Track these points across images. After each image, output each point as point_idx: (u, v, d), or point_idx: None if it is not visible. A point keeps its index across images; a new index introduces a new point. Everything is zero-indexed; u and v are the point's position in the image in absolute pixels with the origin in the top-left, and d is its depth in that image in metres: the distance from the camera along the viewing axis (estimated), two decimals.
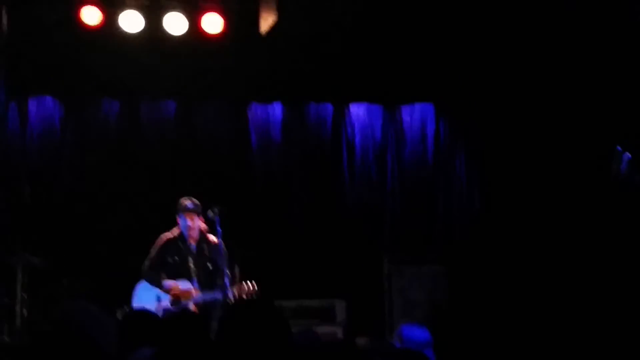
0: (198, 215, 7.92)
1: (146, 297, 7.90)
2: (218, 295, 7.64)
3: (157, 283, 7.93)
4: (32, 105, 9.97)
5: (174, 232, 8.03)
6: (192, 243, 8.00)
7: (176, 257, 7.96)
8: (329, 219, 10.40)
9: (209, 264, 7.89)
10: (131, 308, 7.83)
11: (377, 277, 9.83)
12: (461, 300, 9.72)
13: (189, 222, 7.91)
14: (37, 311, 8.45)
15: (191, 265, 7.95)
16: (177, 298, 7.86)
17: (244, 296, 7.70)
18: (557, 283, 9.35)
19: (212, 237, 7.91)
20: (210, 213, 7.77)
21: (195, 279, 7.92)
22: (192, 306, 7.82)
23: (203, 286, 7.88)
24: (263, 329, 3.17)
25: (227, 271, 7.58)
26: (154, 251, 7.98)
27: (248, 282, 7.76)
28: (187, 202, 7.94)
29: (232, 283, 7.65)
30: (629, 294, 8.46)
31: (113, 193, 9.82)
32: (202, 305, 7.76)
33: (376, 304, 9.73)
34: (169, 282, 7.90)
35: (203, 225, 7.98)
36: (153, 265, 7.96)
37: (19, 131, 9.84)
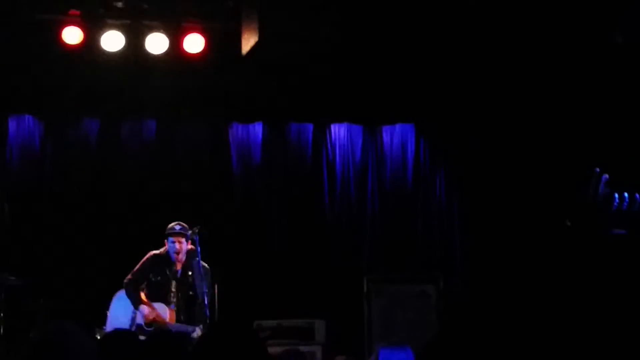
0: (186, 239, 7.91)
1: (123, 309, 7.90)
2: (192, 330, 7.62)
3: (134, 301, 7.89)
4: (12, 124, 9.93)
5: (162, 251, 8.02)
6: (178, 268, 7.98)
7: (159, 277, 7.94)
8: (309, 239, 10.40)
9: (190, 292, 7.87)
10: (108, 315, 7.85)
11: (356, 296, 9.82)
12: (449, 321, 9.73)
13: (177, 246, 7.89)
14: (16, 330, 8.38)
15: (173, 289, 7.93)
16: (153, 322, 7.85)
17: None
18: (539, 299, 9.38)
19: (204, 265, 7.91)
20: (190, 233, 7.78)
21: (173, 305, 7.90)
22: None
23: (180, 314, 7.86)
24: (240, 351, 3.18)
25: (207, 301, 7.57)
26: (138, 266, 7.96)
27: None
28: (174, 225, 7.94)
29: (211, 313, 7.65)
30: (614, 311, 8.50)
31: (93, 212, 9.79)
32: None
33: (356, 323, 9.73)
34: (145, 308, 7.85)
35: (190, 247, 7.97)
36: (135, 280, 7.93)
37: None
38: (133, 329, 7.75)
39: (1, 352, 8.26)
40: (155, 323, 7.81)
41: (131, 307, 7.89)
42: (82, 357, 3.37)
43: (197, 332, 7.51)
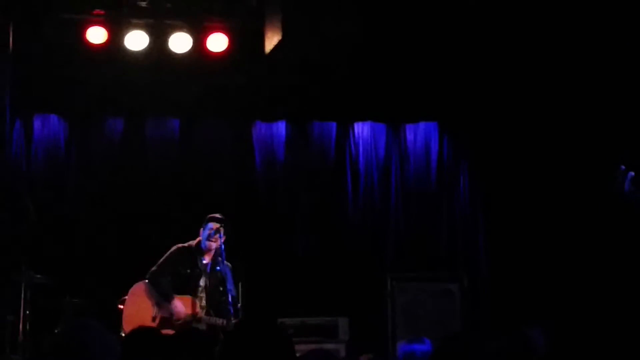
0: (222, 231, 7.82)
1: (142, 299, 7.80)
2: (221, 322, 7.57)
3: (164, 292, 7.76)
4: (37, 123, 10.00)
5: (191, 244, 7.97)
6: (207, 261, 7.92)
7: (189, 270, 7.87)
8: (332, 237, 10.40)
9: (220, 288, 7.74)
10: (123, 302, 7.75)
11: (380, 294, 9.81)
12: (472, 319, 9.69)
13: (212, 232, 7.80)
14: (41, 328, 8.44)
15: (202, 283, 7.89)
16: (185, 317, 7.78)
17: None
18: (563, 296, 9.34)
19: (228, 264, 7.88)
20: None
21: (203, 299, 7.85)
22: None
23: (210, 308, 7.81)
24: (267, 349, 3.17)
25: (230, 299, 7.52)
26: (165, 257, 7.85)
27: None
28: (216, 214, 7.91)
29: (236, 310, 7.62)
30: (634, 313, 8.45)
31: (117, 211, 9.83)
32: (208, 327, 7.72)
33: (379, 321, 9.71)
34: (178, 304, 7.76)
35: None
36: (163, 271, 7.82)
37: (24, 149, 9.87)
38: (156, 322, 7.67)
39: (27, 349, 8.33)
40: (187, 318, 7.76)
41: (151, 301, 7.80)
42: (105, 355, 3.37)
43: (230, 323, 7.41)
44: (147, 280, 7.86)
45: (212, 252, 7.88)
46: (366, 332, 9.64)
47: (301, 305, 9.62)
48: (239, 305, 7.91)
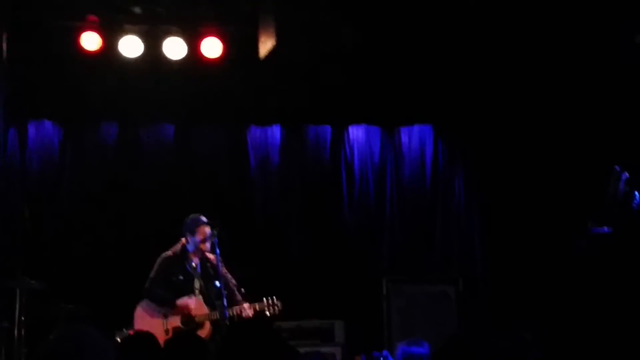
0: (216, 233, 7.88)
1: (150, 318, 7.85)
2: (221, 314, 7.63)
3: (167, 301, 7.84)
4: (32, 129, 10.00)
5: (175, 251, 8.03)
6: (196, 262, 7.97)
7: (181, 277, 7.93)
8: (328, 240, 10.41)
9: (217, 282, 7.84)
10: (133, 330, 7.80)
11: (376, 297, 9.82)
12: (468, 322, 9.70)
13: (199, 237, 7.88)
14: (36, 334, 8.43)
15: (196, 285, 7.94)
16: (191, 317, 7.82)
17: (268, 313, 7.75)
18: (558, 297, 9.35)
19: (211, 256, 7.93)
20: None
21: (201, 298, 7.91)
22: (207, 325, 7.79)
23: (211, 304, 7.85)
24: (265, 352, 3.18)
25: (225, 291, 7.57)
26: (155, 270, 7.96)
27: (269, 298, 7.78)
28: (200, 215, 7.95)
29: (230, 302, 7.66)
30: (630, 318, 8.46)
31: (112, 216, 9.83)
32: (215, 323, 7.75)
33: (375, 324, 9.72)
34: (183, 300, 7.83)
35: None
36: (157, 284, 7.91)
37: (19, 155, 9.87)
38: (170, 334, 7.68)
39: (23, 356, 8.32)
40: (195, 317, 7.80)
41: (159, 314, 7.84)
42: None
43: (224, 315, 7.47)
44: (144, 299, 7.90)
45: (198, 254, 7.93)
46: (362, 335, 9.64)
47: (297, 309, 9.61)
48: (243, 290, 7.97)
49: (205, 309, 7.83)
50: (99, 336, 3.47)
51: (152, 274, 7.97)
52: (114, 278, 9.34)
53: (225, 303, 7.48)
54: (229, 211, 9.73)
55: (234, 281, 8.01)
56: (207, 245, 7.89)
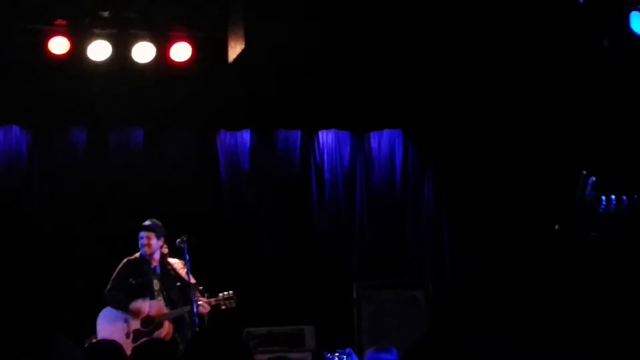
0: (157, 236, 7.96)
1: (111, 323, 7.86)
2: (186, 308, 7.67)
3: (122, 305, 7.89)
4: None
5: (136, 254, 8.08)
6: (156, 264, 8.02)
7: (139, 278, 7.99)
8: (298, 245, 10.41)
9: (178, 283, 7.90)
10: (96, 338, 7.77)
11: (346, 303, 9.83)
12: (439, 328, 9.73)
13: (144, 241, 7.96)
14: (8, 344, 8.36)
15: (155, 286, 7.96)
16: (149, 318, 7.85)
17: (223, 306, 7.78)
18: (528, 302, 9.41)
19: (172, 260, 7.97)
20: (178, 241, 7.78)
21: (160, 299, 7.93)
22: (166, 324, 7.81)
23: (171, 304, 7.86)
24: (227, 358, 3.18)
25: (195, 309, 7.59)
26: (114, 274, 8.05)
27: (224, 293, 7.82)
28: (145, 221, 8.00)
29: (200, 322, 7.69)
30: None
31: (81, 222, 9.76)
32: (175, 321, 7.77)
33: (346, 329, 9.72)
34: (136, 304, 7.87)
35: (164, 249, 8.02)
36: (114, 287, 7.96)
37: None
38: (130, 338, 7.72)
39: None
40: (154, 318, 7.79)
41: (120, 319, 7.85)
42: None
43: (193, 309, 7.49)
44: (104, 303, 7.95)
45: (157, 259, 7.95)
46: (333, 340, 9.63)
47: (268, 315, 9.61)
48: (201, 288, 8.00)
49: (163, 310, 7.87)
50: (70, 344, 3.45)
51: (112, 276, 8.03)
52: (82, 284, 9.26)
53: (195, 312, 7.50)
54: (198, 216, 9.71)
55: (193, 280, 8.02)
56: (152, 251, 7.95)
